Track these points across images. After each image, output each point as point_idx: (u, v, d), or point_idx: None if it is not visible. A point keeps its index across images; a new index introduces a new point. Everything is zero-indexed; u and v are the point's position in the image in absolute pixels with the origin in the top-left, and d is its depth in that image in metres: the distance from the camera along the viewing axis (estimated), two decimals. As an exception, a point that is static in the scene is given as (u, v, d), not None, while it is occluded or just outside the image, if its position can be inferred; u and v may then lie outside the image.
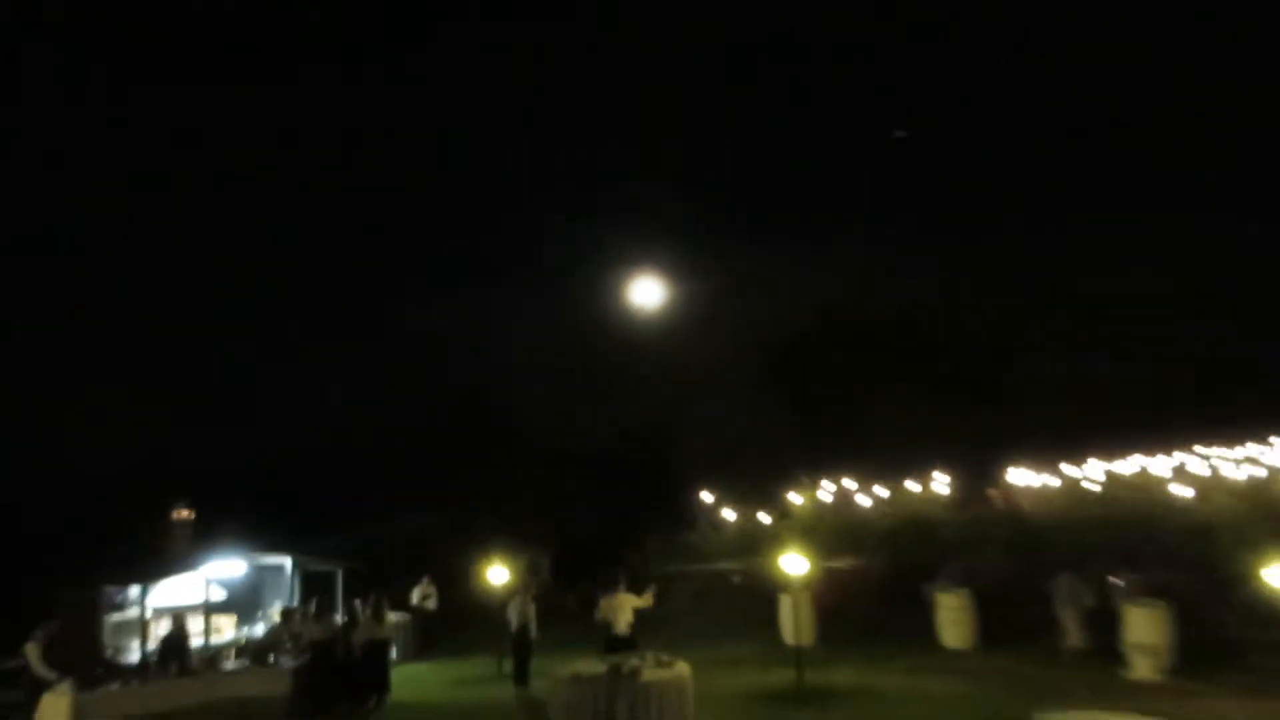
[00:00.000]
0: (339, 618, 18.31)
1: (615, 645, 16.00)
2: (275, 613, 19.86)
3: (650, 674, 13.26)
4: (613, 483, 46.02)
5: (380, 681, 16.29)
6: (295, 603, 20.48)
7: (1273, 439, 53.12)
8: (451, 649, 20.87)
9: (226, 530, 21.05)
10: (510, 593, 18.40)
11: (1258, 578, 12.87)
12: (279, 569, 21.45)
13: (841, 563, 24.45)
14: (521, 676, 17.03)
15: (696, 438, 47.84)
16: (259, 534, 21.93)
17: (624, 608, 16.55)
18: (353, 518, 35.69)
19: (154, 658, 16.35)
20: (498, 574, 18.82)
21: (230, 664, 17.15)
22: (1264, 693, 13.73)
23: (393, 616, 20.02)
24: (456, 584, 22.06)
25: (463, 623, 22.00)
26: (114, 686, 14.64)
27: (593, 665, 13.88)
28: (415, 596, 20.47)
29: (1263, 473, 39.88)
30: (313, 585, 21.10)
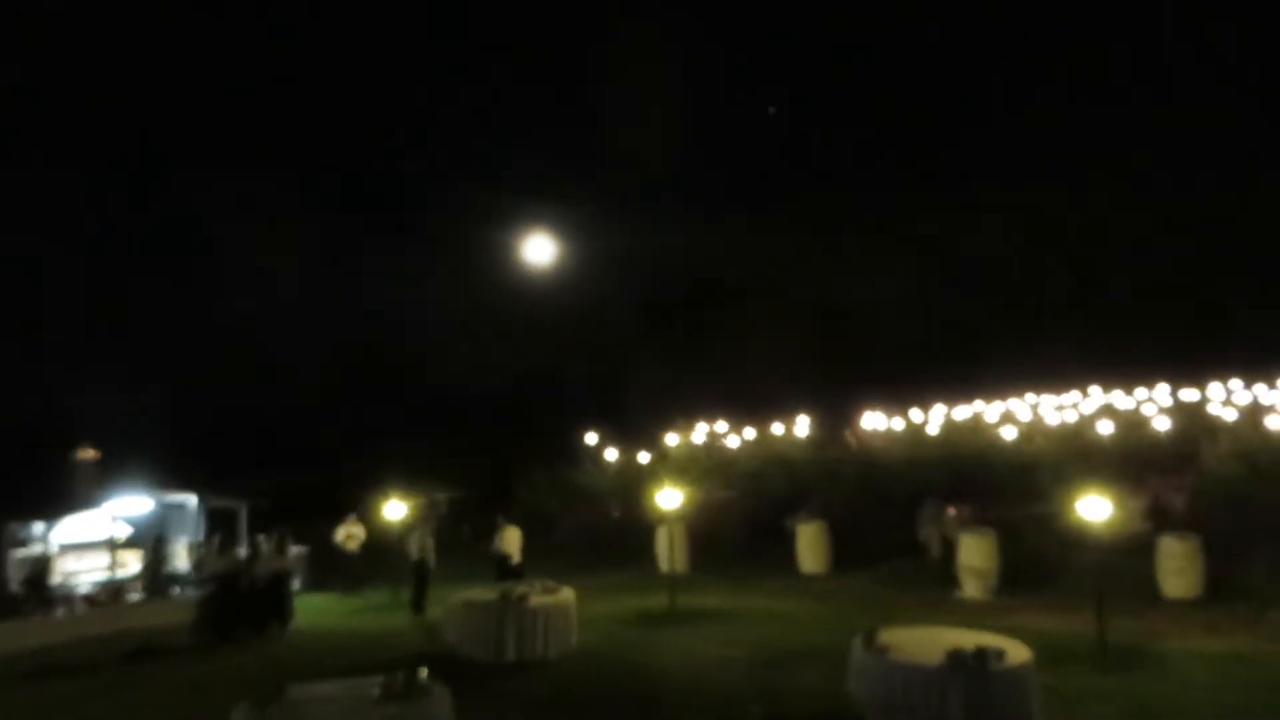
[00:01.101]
0: (243, 551, 17.95)
1: (507, 574, 16.17)
2: (181, 548, 19.40)
3: (537, 600, 13.44)
4: (505, 425, 45.98)
5: (281, 611, 16.09)
6: (201, 538, 20.01)
7: (1090, 388, 55.91)
8: (355, 582, 20.64)
9: (132, 469, 20.36)
10: (408, 527, 18.32)
11: (1071, 509, 13.62)
12: (184, 506, 20.88)
13: (713, 495, 24.97)
14: (418, 604, 17.01)
15: (582, 384, 48.10)
16: (167, 474, 21.29)
17: (513, 540, 16.75)
18: (261, 460, 34.85)
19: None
20: (395, 509, 18.70)
21: (135, 596, 16.72)
22: (1073, 608, 14.58)
23: (294, 550, 19.74)
24: (364, 522, 21.82)
25: (368, 557, 21.81)
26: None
27: (484, 592, 13.99)
28: (340, 535, 19.79)
29: (1076, 417, 41.99)
30: (218, 522, 20.62)
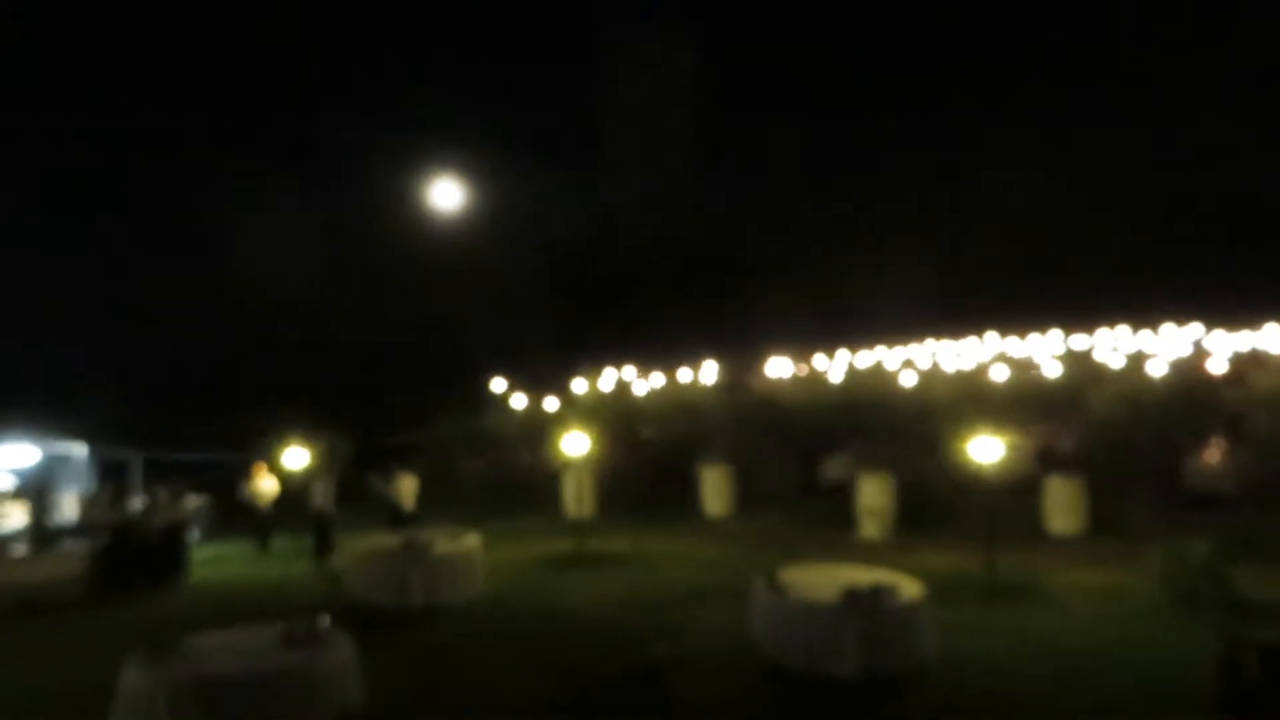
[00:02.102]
0: (137, 502, 17.46)
1: (400, 522, 16.10)
2: (69, 499, 18.76)
3: (442, 546, 13.41)
4: (411, 371, 45.41)
5: (178, 561, 15.74)
6: (92, 490, 19.39)
7: (987, 335, 57.65)
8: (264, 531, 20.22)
9: (17, 419, 19.55)
10: (310, 474, 18.02)
11: (965, 451, 14.10)
12: (72, 457, 20.18)
13: (620, 438, 25.13)
14: (320, 552, 16.82)
15: (490, 331, 47.66)
16: (55, 424, 20.51)
17: (407, 489, 16.70)
18: (160, 413, 33.85)
19: None
20: (297, 457, 18.36)
21: (19, 550, 16.16)
22: (964, 547, 15.19)
23: (193, 500, 19.29)
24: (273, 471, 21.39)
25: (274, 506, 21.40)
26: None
27: (388, 540, 13.89)
28: (256, 485, 18.92)
29: (973, 363, 43.30)
30: (110, 473, 20.01)
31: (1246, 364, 39.87)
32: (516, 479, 24.83)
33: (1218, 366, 38.34)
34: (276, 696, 7.75)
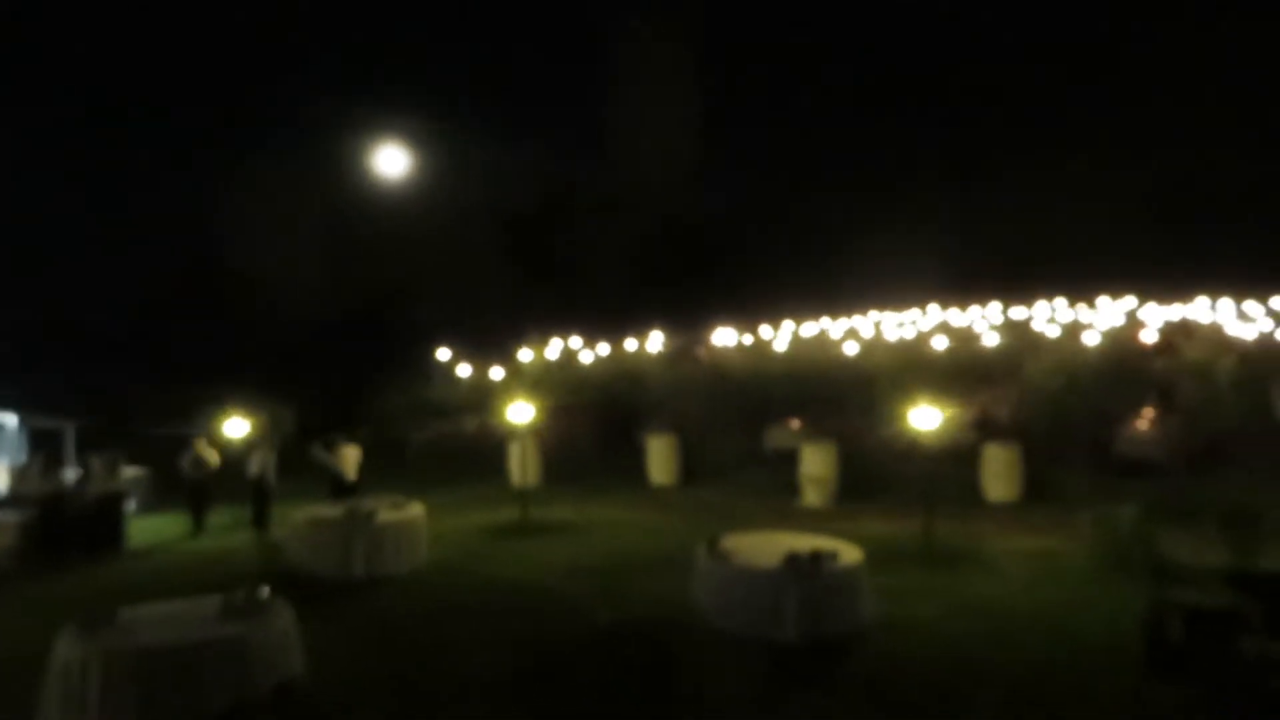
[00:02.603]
0: (71, 473, 17.05)
1: (341, 492, 15.92)
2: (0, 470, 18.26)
3: (386, 515, 13.30)
4: (355, 340, 44.80)
5: (114, 533, 15.40)
6: (23, 460, 18.87)
7: (929, 306, 58.39)
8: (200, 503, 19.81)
9: None
10: (250, 444, 17.71)
11: (905, 420, 14.28)
12: (5, 427, 19.62)
13: (566, 404, 25.13)
14: (260, 522, 16.58)
15: (436, 299, 47.16)
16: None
17: (350, 459, 16.50)
18: (96, 381, 33.04)
19: None
20: (237, 427, 18.02)
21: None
22: (904, 513, 15.43)
23: (129, 471, 18.89)
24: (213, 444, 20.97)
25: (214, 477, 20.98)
26: None
27: (330, 509, 13.74)
28: (186, 464, 18.20)
29: (914, 333, 43.85)
30: (42, 443, 19.50)
31: (1176, 334, 40.87)
32: (462, 448, 24.69)
33: (1149, 337, 39.25)
34: (213, 668, 7.63)
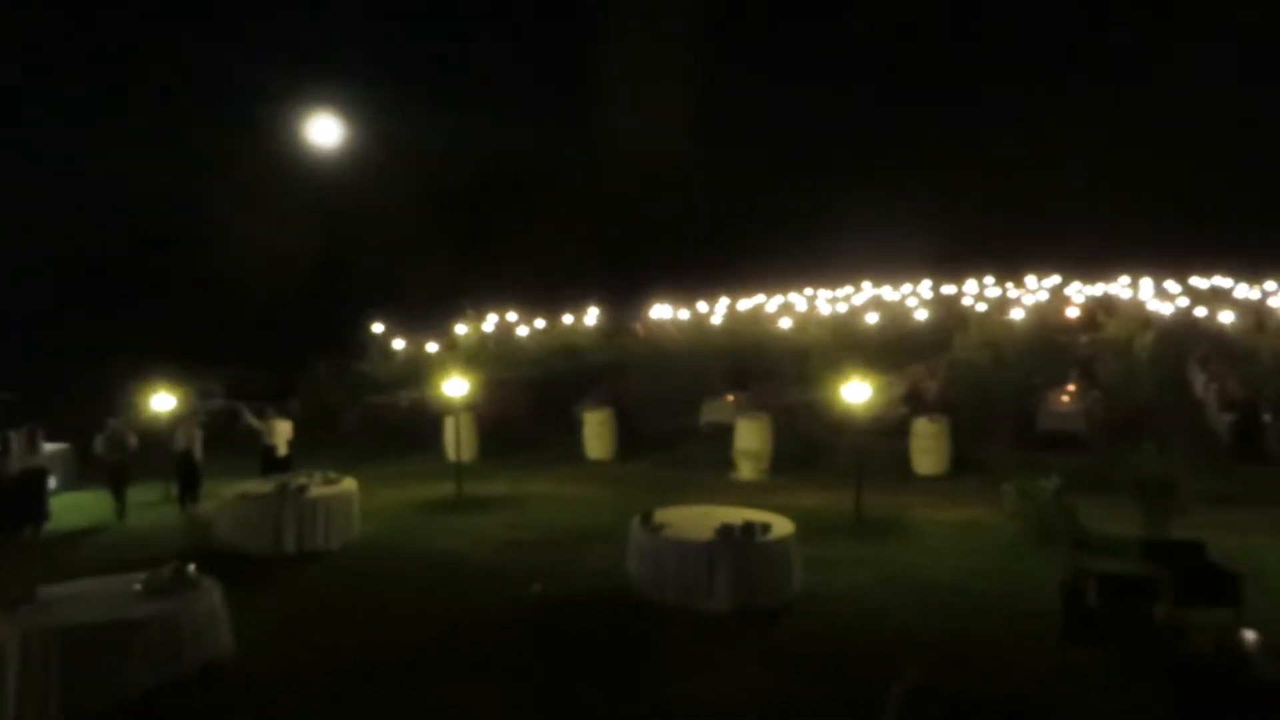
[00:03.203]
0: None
1: (273, 467, 15.63)
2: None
3: (317, 490, 13.11)
4: (288, 313, 43.98)
5: (36, 510, 14.94)
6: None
7: (863, 282, 59.19)
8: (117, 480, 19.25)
9: None
10: (177, 419, 17.30)
11: (838, 394, 14.44)
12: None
13: (503, 379, 25.03)
14: (187, 499, 16.21)
15: (370, 272, 46.49)
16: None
17: (282, 433, 16.22)
18: (19, 356, 31.94)
19: None
20: (163, 401, 17.59)
21: None
22: (836, 486, 15.57)
23: (50, 446, 18.30)
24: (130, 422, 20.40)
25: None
26: None
27: (260, 484, 13.50)
28: (100, 447, 17.42)
29: (847, 309, 44.39)
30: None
31: (1099, 311, 41.90)
32: (397, 422, 24.42)
33: (1073, 313, 40.16)
34: (136, 647, 7.48)
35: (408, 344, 31.37)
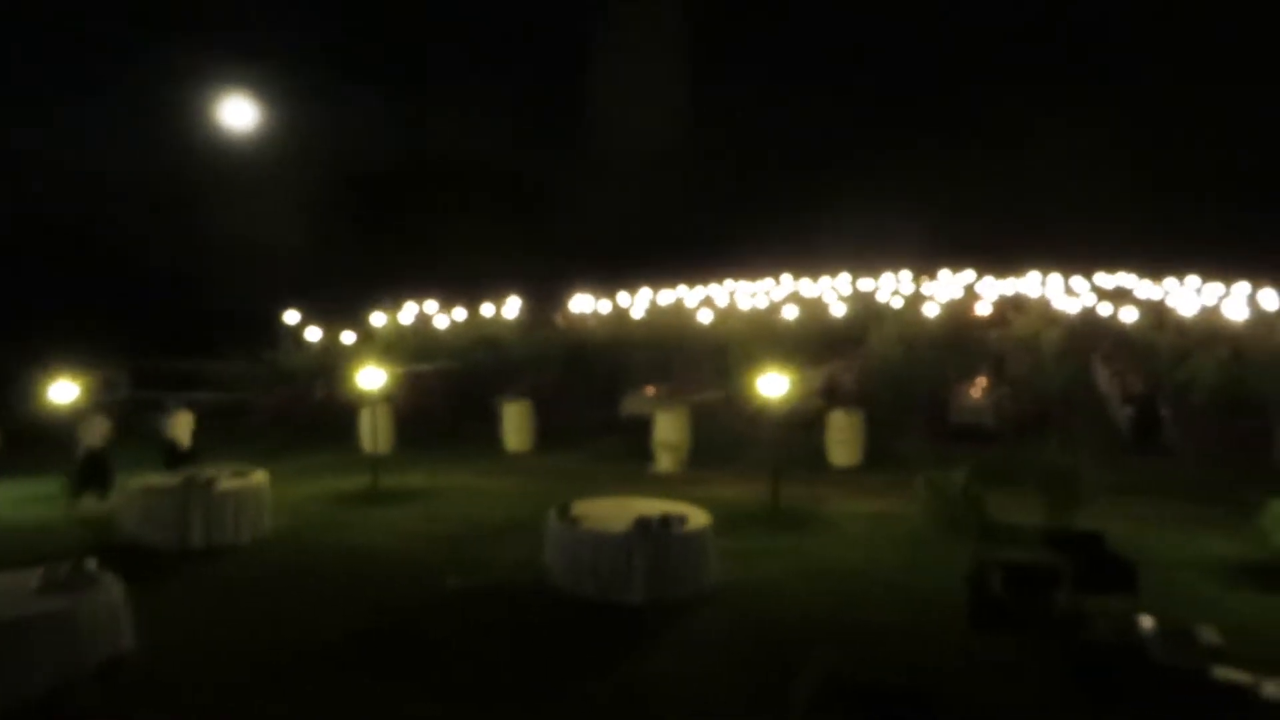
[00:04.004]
0: None
1: (176, 460, 15.23)
2: None
3: (226, 483, 12.81)
4: (198, 301, 42.77)
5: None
6: None
7: (782, 276, 59.89)
8: (16, 468, 18.54)
9: None
10: (80, 410, 16.71)
11: (756, 387, 14.60)
12: None
13: (420, 370, 24.71)
14: (83, 491, 15.65)
15: (285, 259, 45.45)
16: None
17: (184, 425, 15.83)
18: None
19: None
20: (64, 391, 16.96)
21: None
22: (753, 477, 15.74)
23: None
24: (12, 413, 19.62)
25: (28, 443, 19.65)
26: None
27: (166, 477, 13.14)
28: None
29: (766, 303, 44.91)
30: None
31: (1008, 307, 43.14)
32: (311, 414, 23.95)
33: (984, 309, 41.24)
34: (33, 644, 7.23)
35: (323, 334, 30.78)
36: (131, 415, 20.89)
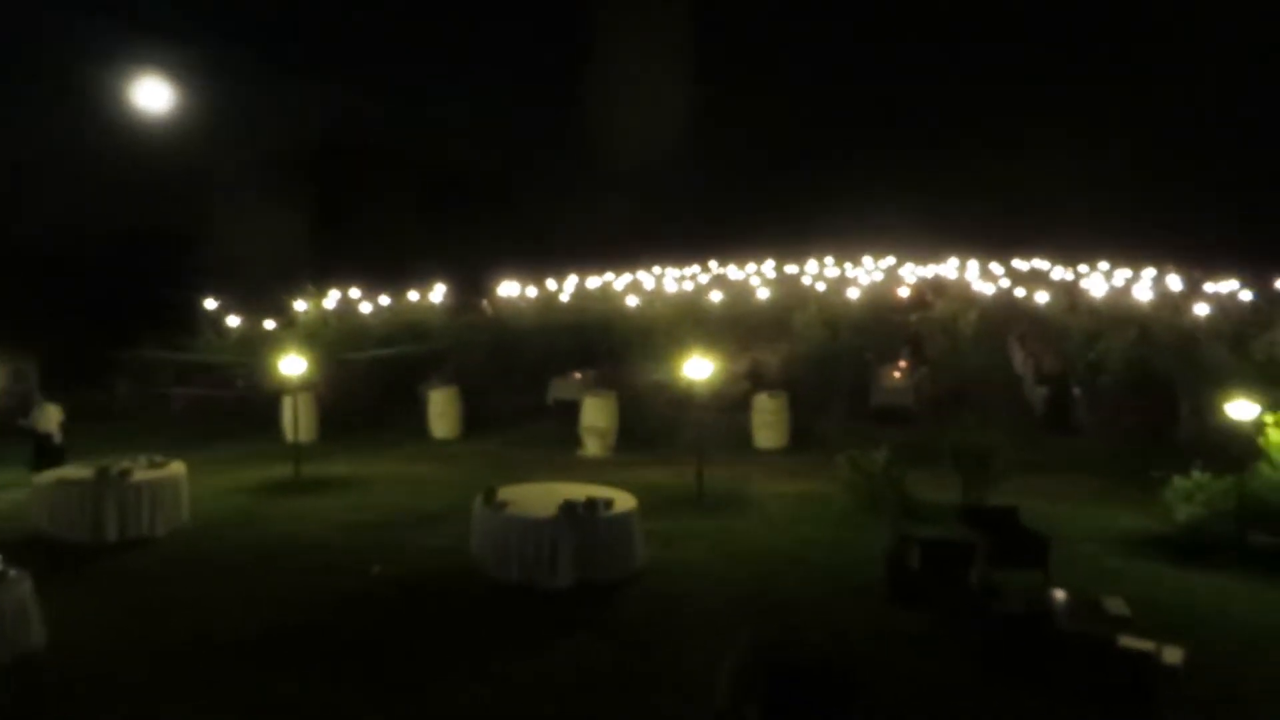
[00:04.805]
0: None
1: (46, 454, 14.64)
2: None
3: (142, 474, 12.45)
4: (111, 287, 41.31)
5: None
6: None
7: (709, 262, 60.22)
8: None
9: None
10: (34, 399, 16.01)
11: (683, 371, 14.66)
12: None
13: (345, 357, 24.30)
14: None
15: (202, 244, 44.13)
16: None
17: (53, 418, 15.23)
18: None
19: None
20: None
21: None
22: (679, 463, 15.79)
23: None
24: None
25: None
26: None
27: (78, 469, 12.72)
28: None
29: (693, 287, 45.10)
30: None
31: (927, 291, 43.98)
32: (231, 403, 23.41)
33: (904, 293, 41.97)
34: (-67, 644, 6.96)
35: (243, 321, 30.08)
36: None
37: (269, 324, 29.40)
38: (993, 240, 62.76)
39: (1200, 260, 48.78)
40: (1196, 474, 12.51)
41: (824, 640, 8.86)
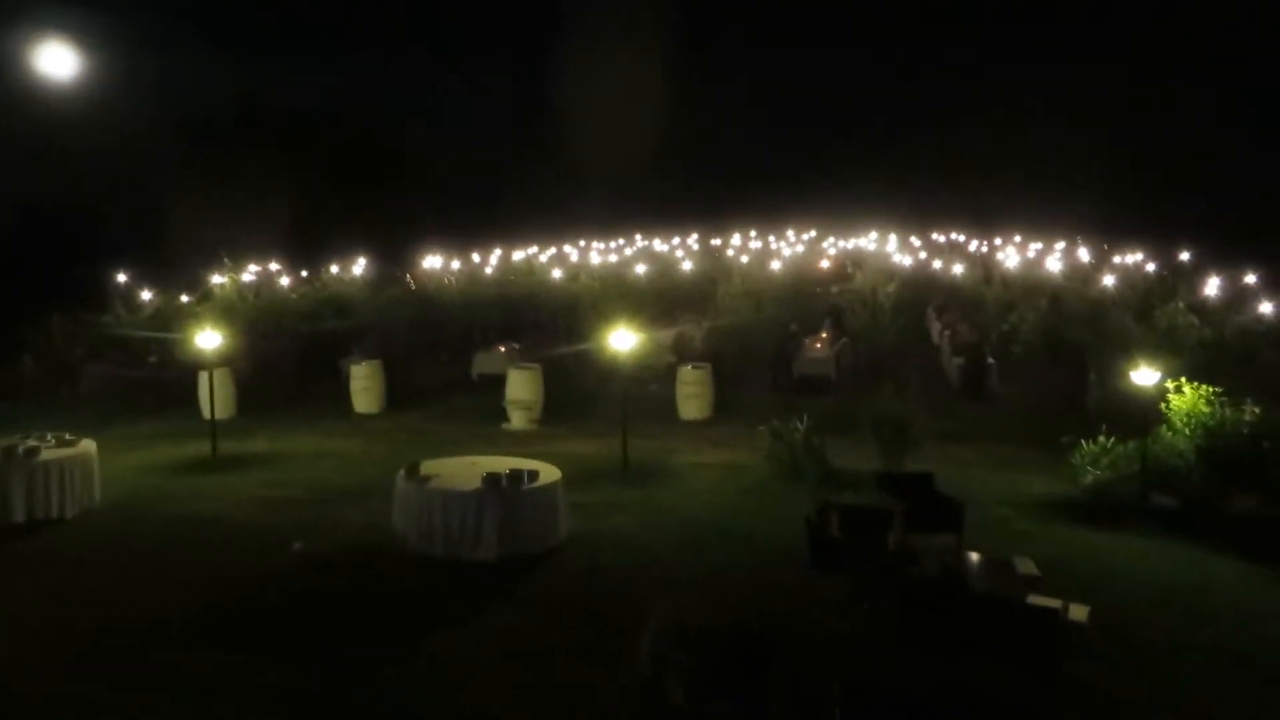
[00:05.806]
0: None
1: None
2: None
3: (50, 453, 12.02)
4: (13, 261, 39.70)
5: None
6: None
7: (635, 235, 60.18)
8: None
9: None
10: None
11: (607, 343, 14.65)
12: None
13: (264, 331, 23.78)
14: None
15: (114, 217, 42.61)
16: None
17: None
18: None
19: None
20: None
21: None
22: (605, 435, 15.80)
23: None
24: None
25: None
26: None
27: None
28: None
29: (616, 259, 45.07)
30: None
31: (848, 263, 44.62)
32: (145, 380, 22.71)
33: (825, 265, 42.49)
34: None
35: (156, 295, 29.17)
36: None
37: (184, 298, 28.57)
38: (912, 212, 63.88)
39: (1108, 233, 50.33)
40: (1102, 439, 12.96)
41: (744, 605, 8.98)
